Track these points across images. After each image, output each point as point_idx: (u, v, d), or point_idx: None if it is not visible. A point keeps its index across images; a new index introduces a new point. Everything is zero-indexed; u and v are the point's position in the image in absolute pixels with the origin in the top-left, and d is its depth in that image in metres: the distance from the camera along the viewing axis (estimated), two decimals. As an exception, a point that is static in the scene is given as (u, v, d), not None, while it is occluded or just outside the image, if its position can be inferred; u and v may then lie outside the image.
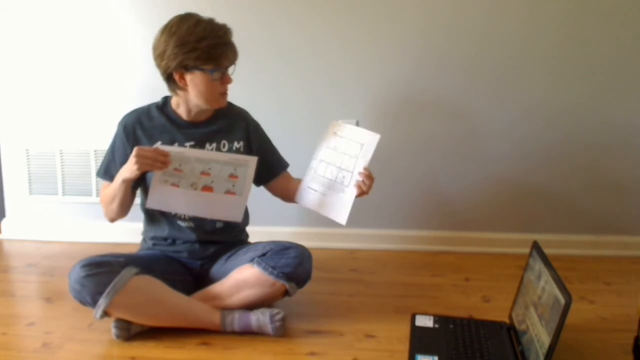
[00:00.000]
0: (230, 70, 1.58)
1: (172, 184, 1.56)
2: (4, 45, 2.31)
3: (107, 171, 1.66)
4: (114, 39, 2.26)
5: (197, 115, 1.65)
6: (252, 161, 1.60)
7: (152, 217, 1.68)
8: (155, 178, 1.56)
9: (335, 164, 1.66)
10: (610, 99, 2.16)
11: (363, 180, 1.59)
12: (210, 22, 1.54)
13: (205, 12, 1.60)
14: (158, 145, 1.58)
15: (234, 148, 1.67)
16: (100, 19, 2.25)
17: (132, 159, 1.49)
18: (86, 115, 2.33)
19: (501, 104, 2.19)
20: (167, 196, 1.57)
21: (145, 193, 1.62)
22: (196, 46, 1.49)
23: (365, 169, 1.60)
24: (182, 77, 1.54)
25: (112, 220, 1.67)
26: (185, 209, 1.61)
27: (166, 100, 1.68)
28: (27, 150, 2.38)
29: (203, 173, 1.57)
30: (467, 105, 2.20)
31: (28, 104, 2.35)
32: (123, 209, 1.63)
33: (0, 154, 2.42)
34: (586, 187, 2.22)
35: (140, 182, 1.62)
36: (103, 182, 1.69)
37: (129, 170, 1.51)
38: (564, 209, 2.25)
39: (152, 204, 1.59)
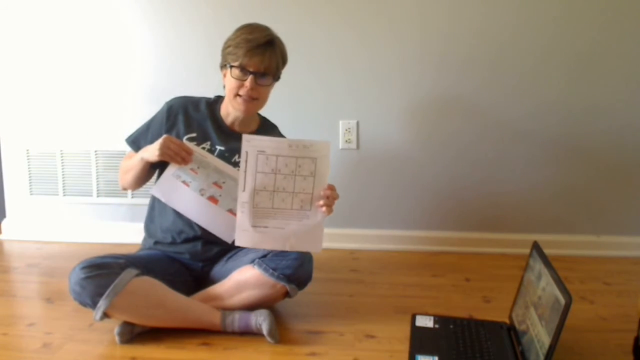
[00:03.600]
0: (265, 82, 1.59)
1: (183, 182, 1.58)
2: (5, 45, 2.32)
3: (136, 141, 1.69)
4: (116, 39, 2.27)
5: (239, 124, 1.67)
6: None
7: (159, 203, 1.68)
8: (169, 170, 1.58)
9: (283, 189, 1.43)
10: (619, 100, 2.16)
11: (327, 201, 1.47)
12: (253, 24, 1.60)
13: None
14: (186, 141, 1.62)
15: None
16: (103, 19, 2.26)
17: (157, 144, 1.53)
18: (87, 115, 2.33)
19: (510, 106, 2.19)
20: (174, 191, 1.59)
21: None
22: (230, 43, 1.58)
23: (328, 187, 1.47)
24: (224, 75, 1.62)
25: (124, 188, 1.75)
26: (185, 210, 1.61)
27: (218, 99, 1.72)
28: (27, 150, 2.38)
29: (215, 184, 1.59)
30: (474, 108, 2.21)
31: (29, 104, 2.35)
32: (136, 183, 1.68)
33: (0, 154, 2.42)
34: (586, 187, 2.23)
35: (160, 165, 1.63)
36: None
37: (150, 152, 1.55)
38: (564, 209, 2.25)
39: (157, 192, 1.61)
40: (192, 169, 1.58)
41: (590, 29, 2.12)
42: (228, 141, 1.66)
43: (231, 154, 1.65)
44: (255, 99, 1.60)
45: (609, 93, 2.16)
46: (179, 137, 1.64)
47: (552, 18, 2.12)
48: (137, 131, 1.72)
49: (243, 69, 1.56)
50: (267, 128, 1.75)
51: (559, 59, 2.15)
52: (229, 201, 1.59)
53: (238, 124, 1.68)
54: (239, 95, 1.59)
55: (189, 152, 1.57)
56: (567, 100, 2.17)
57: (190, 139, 1.64)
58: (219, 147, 1.65)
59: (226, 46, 1.60)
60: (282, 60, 1.64)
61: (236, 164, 1.64)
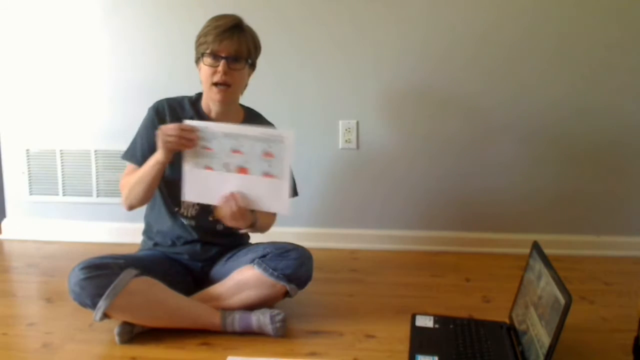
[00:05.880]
0: (238, 66, 1.55)
1: (206, 167, 1.47)
2: (4, 45, 2.31)
3: (134, 154, 1.64)
4: (116, 38, 2.26)
5: (222, 117, 1.63)
6: (288, 136, 1.43)
7: (155, 209, 1.68)
8: (186, 162, 1.49)
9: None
10: (620, 101, 2.16)
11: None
12: (222, 14, 1.59)
13: (217, 8, 1.63)
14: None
15: None
16: (102, 18, 2.25)
17: (158, 142, 1.47)
18: (86, 115, 2.33)
19: (510, 107, 2.19)
20: (203, 182, 1.48)
21: (165, 184, 1.61)
22: (200, 34, 1.58)
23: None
24: (200, 70, 1.61)
25: (131, 206, 1.61)
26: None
27: (199, 96, 1.70)
28: (27, 150, 2.38)
29: (234, 150, 1.46)
30: (474, 108, 2.21)
31: (28, 103, 2.35)
32: (147, 194, 1.58)
33: (0, 153, 2.42)
34: (586, 187, 2.22)
35: (166, 178, 1.59)
36: (128, 165, 1.66)
37: (160, 153, 1.49)
38: (564, 209, 2.25)
39: (190, 196, 1.51)
40: (204, 147, 1.46)
41: (592, 29, 2.12)
42: None
43: None
44: (229, 85, 1.55)
45: (609, 94, 2.16)
46: None
47: (556, 18, 2.12)
48: (130, 145, 1.67)
49: (215, 55, 1.53)
50: (252, 118, 1.71)
51: (559, 60, 2.14)
52: (257, 163, 1.45)
53: (222, 117, 1.64)
54: (214, 85, 1.55)
55: (190, 130, 1.46)
56: (567, 101, 2.17)
57: None
58: None
59: (197, 39, 1.59)
60: (254, 45, 1.61)
61: None
